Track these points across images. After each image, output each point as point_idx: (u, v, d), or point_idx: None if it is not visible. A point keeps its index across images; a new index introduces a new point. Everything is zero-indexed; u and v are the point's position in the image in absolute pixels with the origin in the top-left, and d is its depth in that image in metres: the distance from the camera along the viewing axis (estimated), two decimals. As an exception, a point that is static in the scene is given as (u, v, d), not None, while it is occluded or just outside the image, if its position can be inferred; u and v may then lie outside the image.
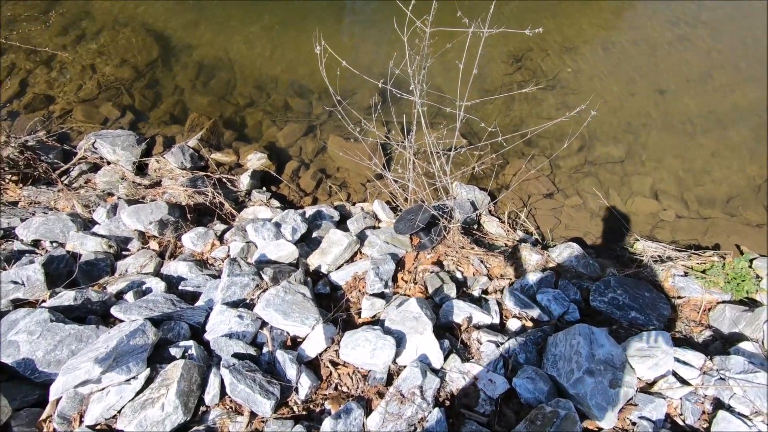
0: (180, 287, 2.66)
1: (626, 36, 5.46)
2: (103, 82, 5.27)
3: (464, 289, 2.76)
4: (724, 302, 2.66)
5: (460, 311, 2.45)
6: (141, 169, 4.19)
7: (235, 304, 2.44)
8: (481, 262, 2.97)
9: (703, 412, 1.96)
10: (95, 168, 4.13)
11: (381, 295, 2.67)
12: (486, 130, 2.62)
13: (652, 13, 5.68)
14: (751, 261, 2.96)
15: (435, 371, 2.10)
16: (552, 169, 4.25)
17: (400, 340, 2.17)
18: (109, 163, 4.19)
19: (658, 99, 4.90)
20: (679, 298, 2.75)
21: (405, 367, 2.12)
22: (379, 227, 3.56)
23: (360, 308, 2.64)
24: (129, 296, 2.51)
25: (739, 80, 4.91)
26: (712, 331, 2.50)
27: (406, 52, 2.29)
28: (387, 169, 4.33)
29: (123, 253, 3.06)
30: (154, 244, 3.11)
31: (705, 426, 1.92)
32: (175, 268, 2.81)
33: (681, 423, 1.95)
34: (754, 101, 4.77)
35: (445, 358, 2.18)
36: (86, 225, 3.26)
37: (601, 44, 5.35)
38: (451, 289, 2.62)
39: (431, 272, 2.81)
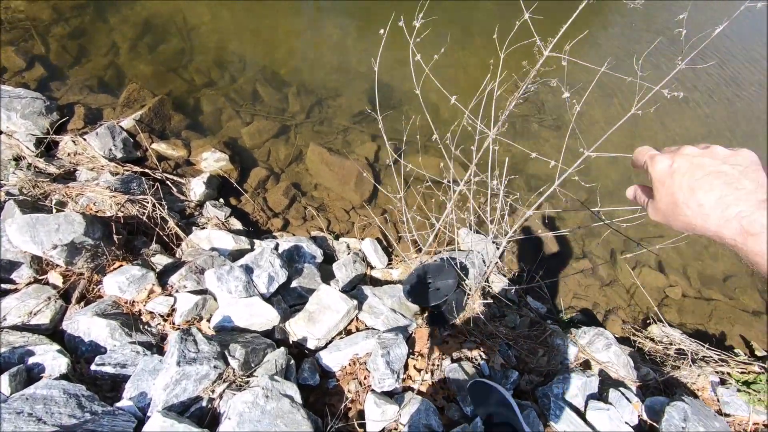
0: (94, 366, 1.73)
1: (629, 85, 5.25)
2: (5, 18, 3.94)
3: (492, 387, 2.15)
4: (772, 425, 2.33)
5: None
6: (48, 149, 3.05)
7: (184, 408, 1.60)
8: (508, 347, 2.38)
9: None
10: (-25, 138, 2.93)
11: (391, 395, 1.96)
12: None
13: (654, 69, 5.55)
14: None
15: None
16: (556, 222, 3.82)
17: (440, 498, 1.49)
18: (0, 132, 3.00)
19: (654, 158, 4.71)
20: (725, 415, 2.37)
21: None
22: (371, 275, 2.84)
23: (361, 410, 1.92)
24: (3, 382, 1.55)
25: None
26: (770, 469, 2.14)
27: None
28: (374, 195, 3.62)
29: (2, 286, 2.03)
30: (55, 277, 2.10)
31: None
32: (87, 326, 1.86)
33: None
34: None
35: None
36: (-55, 232, 2.16)
37: (606, 90, 5.08)
38: (484, 394, 1.99)
39: (454, 360, 2.16)
